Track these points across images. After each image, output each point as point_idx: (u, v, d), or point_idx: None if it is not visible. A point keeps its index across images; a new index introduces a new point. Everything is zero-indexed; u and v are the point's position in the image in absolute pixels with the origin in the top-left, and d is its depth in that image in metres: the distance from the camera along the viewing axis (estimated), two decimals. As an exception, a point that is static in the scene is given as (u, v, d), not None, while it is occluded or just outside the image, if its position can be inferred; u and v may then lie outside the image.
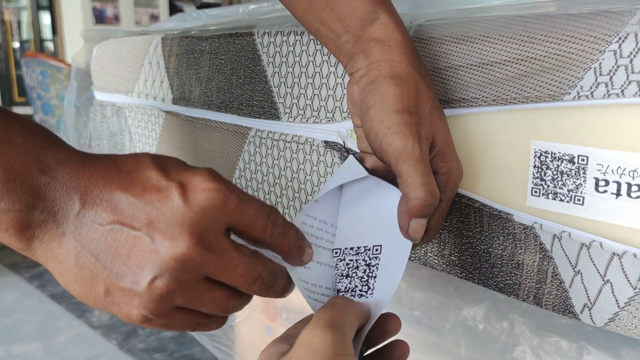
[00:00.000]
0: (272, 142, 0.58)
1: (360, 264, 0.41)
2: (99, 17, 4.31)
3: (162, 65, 0.72)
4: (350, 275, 0.41)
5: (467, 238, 0.45)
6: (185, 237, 0.30)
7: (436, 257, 0.47)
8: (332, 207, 0.44)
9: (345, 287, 0.41)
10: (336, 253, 0.43)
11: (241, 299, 0.35)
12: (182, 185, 0.31)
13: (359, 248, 0.42)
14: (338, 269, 0.42)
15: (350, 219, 0.43)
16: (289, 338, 0.36)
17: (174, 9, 5.03)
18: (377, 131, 0.38)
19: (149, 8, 4.64)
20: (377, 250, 0.42)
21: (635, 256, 0.36)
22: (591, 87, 0.37)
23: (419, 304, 0.74)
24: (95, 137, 0.89)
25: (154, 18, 4.68)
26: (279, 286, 0.36)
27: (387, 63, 0.40)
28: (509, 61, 0.40)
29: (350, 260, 0.42)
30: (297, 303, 0.85)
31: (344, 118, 0.51)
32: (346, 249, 0.43)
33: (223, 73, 0.63)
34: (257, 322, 1.03)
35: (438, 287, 0.74)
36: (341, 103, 0.51)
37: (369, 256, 0.42)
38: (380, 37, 0.40)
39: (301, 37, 0.54)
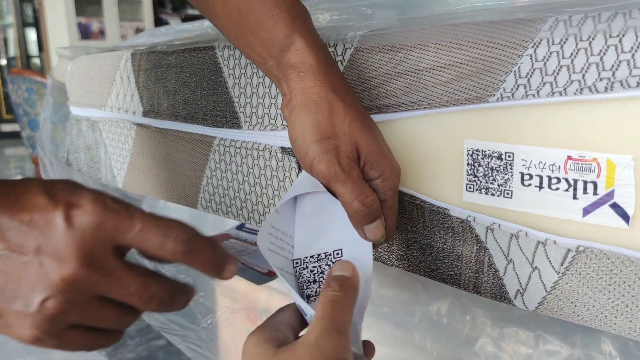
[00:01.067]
0: (235, 150, 0.61)
1: (324, 268, 0.44)
2: (85, 33, 4.34)
3: (132, 79, 0.75)
4: (317, 281, 0.44)
5: (412, 233, 0.48)
6: (72, 258, 0.32)
7: (386, 253, 0.50)
8: (289, 219, 0.46)
9: (315, 292, 0.44)
10: (297, 263, 0.45)
11: (137, 314, 0.36)
12: (67, 209, 0.32)
13: (319, 255, 0.45)
14: (303, 277, 0.45)
15: (307, 229, 0.46)
16: (278, 326, 0.38)
17: (159, 22, 5.06)
18: (305, 162, 0.43)
19: (134, 22, 4.67)
20: (338, 254, 0.44)
21: (555, 243, 0.39)
22: (512, 89, 0.40)
23: (387, 301, 0.77)
24: (73, 150, 0.91)
25: (140, 32, 4.71)
26: (178, 303, 0.36)
27: (301, 92, 0.43)
28: (440, 67, 0.43)
29: (314, 267, 0.45)
30: (279, 306, 0.87)
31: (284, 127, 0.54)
32: (306, 257, 0.45)
33: (188, 85, 0.66)
34: (239, 327, 1.05)
35: (405, 284, 0.77)
36: (295, 110, 0.54)
37: (331, 260, 0.44)
38: (295, 62, 0.43)
39: (234, 52, 0.57)
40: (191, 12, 5.64)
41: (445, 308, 0.72)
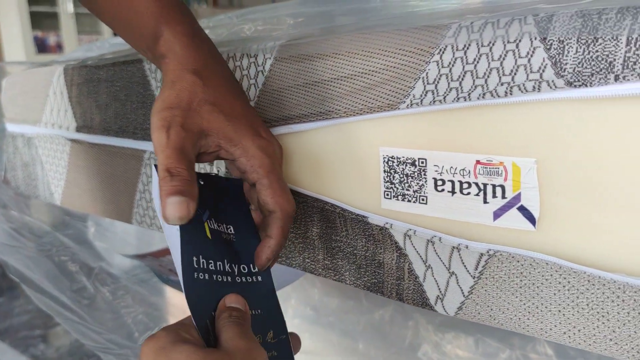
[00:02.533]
0: (166, 164, 0.60)
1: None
2: (41, 47, 4.26)
3: (65, 94, 0.74)
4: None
5: (336, 242, 0.47)
6: None
7: (313, 263, 0.50)
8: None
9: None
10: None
11: None
12: None
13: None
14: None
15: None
16: (186, 328, 0.38)
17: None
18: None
19: (93, 35, 4.61)
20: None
21: (467, 247, 0.39)
22: (421, 95, 0.40)
23: (332, 310, 0.77)
24: (10, 168, 0.89)
25: (99, 44, 4.64)
26: None
27: (165, 75, 0.45)
28: (353, 75, 0.43)
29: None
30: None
31: (223, 136, 0.54)
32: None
33: (119, 99, 0.65)
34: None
35: (349, 293, 0.77)
36: (221, 122, 0.54)
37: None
38: (164, 52, 0.45)
39: (183, 61, 0.57)
40: (151, 23, 5.57)
41: (388, 315, 0.72)
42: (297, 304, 0.80)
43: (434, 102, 0.39)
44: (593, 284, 0.35)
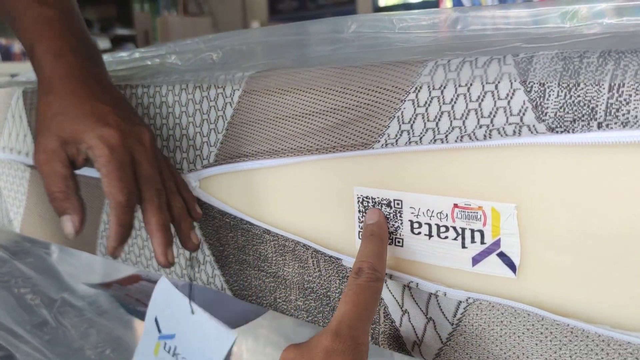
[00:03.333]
0: (130, 195, 0.58)
1: None
2: (6, 54, 4.17)
3: (24, 118, 0.70)
4: None
5: (308, 283, 0.45)
6: None
7: (284, 303, 0.48)
8: None
9: None
10: None
11: None
12: None
13: None
14: None
15: None
16: None
17: (86, 42, 4.89)
18: None
19: (59, 42, 4.50)
20: None
21: (445, 294, 0.38)
22: (396, 135, 0.38)
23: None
24: (-33, 193, 0.85)
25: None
26: None
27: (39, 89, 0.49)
28: (327, 111, 0.41)
29: None
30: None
31: (191, 170, 0.52)
32: None
33: (81, 126, 0.62)
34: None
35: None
36: (187, 154, 0.52)
37: None
38: (36, 68, 0.49)
39: (148, 89, 0.54)
40: (120, 31, 5.50)
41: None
42: (269, 333, 0.77)
43: (410, 142, 0.38)
44: (576, 336, 0.34)
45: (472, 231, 0.37)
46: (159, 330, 0.54)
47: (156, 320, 0.54)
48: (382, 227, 0.39)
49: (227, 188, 0.50)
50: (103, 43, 4.98)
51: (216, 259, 0.52)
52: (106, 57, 0.71)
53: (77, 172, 0.62)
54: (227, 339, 0.52)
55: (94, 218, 0.63)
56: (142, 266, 0.59)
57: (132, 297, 0.76)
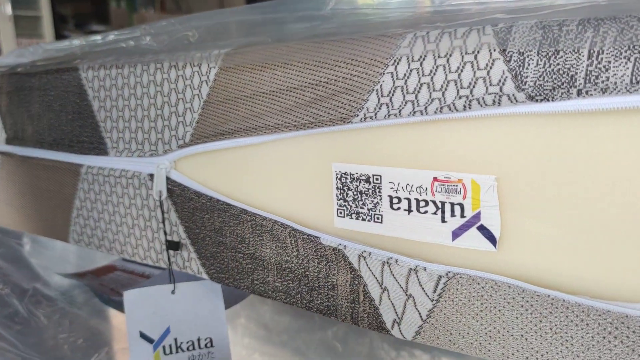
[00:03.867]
0: (104, 178, 0.56)
1: None
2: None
3: (-6, 104, 0.68)
4: None
5: (286, 263, 0.45)
6: None
7: (262, 284, 0.47)
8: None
9: None
10: None
11: None
12: None
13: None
14: None
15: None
16: None
17: (60, 39, 4.83)
18: None
19: (33, 38, 4.42)
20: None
21: (425, 269, 0.37)
22: (375, 109, 0.38)
23: (284, 329, 0.74)
24: None
25: (40, 48, 4.46)
26: None
27: None
28: (304, 86, 0.41)
29: None
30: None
31: (166, 151, 0.50)
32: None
33: (53, 110, 0.61)
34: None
35: (301, 311, 0.75)
36: (163, 135, 0.51)
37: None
38: None
39: (122, 70, 0.53)
40: (95, 28, 5.42)
41: (342, 332, 0.70)
42: (247, 323, 0.76)
43: (389, 115, 0.37)
44: (557, 308, 0.33)
45: (452, 205, 0.36)
46: (151, 341, 0.53)
47: (142, 334, 0.52)
48: None
49: (203, 168, 0.49)
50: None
51: (192, 241, 0.51)
52: (78, 41, 0.70)
53: (42, 155, 0.61)
54: (214, 291, 0.52)
55: (66, 205, 0.62)
56: (116, 252, 0.58)
57: (106, 286, 0.74)
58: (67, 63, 0.60)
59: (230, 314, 0.74)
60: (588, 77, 0.30)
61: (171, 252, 0.52)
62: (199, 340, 0.52)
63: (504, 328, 0.35)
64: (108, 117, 0.55)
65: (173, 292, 0.53)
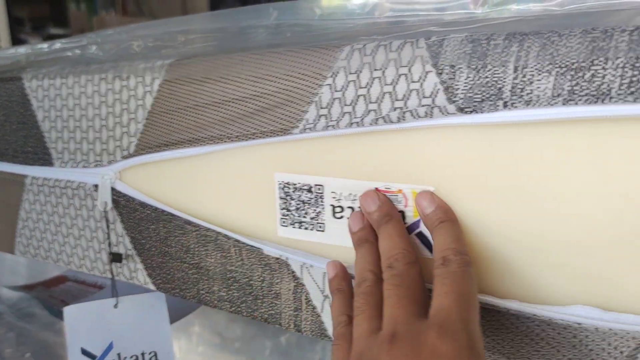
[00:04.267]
0: (49, 189, 0.56)
1: None
2: None
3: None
4: None
5: (231, 273, 0.45)
6: None
7: (207, 294, 0.47)
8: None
9: None
10: None
11: None
12: None
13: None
14: None
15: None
16: None
17: (17, 43, 4.72)
18: None
19: (-14, 43, 4.31)
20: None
21: (364, 278, 0.38)
22: (314, 120, 0.38)
23: (237, 336, 0.74)
24: None
25: (-6, 53, 4.35)
26: None
27: None
28: (246, 98, 0.41)
29: None
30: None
31: (110, 162, 0.50)
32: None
33: (-4, 119, 0.60)
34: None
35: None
36: (107, 145, 0.50)
37: None
38: None
39: (66, 80, 0.53)
40: (54, 31, 5.31)
41: (294, 338, 0.70)
42: (201, 331, 0.76)
43: (328, 127, 0.38)
44: (489, 312, 0.34)
45: (390, 213, 0.37)
46: (93, 357, 0.52)
47: (84, 351, 0.52)
48: (447, 211, 0.35)
49: (147, 179, 0.49)
50: (35, 42, 4.79)
51: (138, 252, 0.51)
52: (24, 49, 0.69)
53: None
54: (158, 303, 0.51)
55: (11, 216, 0.61)
56: (63, 264, 0.57)
57: (56, 298, 0.73)
58: (11, 72, 0.59)
59: (184, 323, 0.74)
60: (514, 90, 0.32)
61: (118, 263, 0.52)
62: (143, 354, 0.52)
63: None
64: (53, 127, 0.54)
65: (116, 305, 0.52)
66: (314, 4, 0.44)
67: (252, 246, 0.43)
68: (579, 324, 0.32)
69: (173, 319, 0.64)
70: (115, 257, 0.51)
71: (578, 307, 0.32)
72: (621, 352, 0.31)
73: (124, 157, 0.49)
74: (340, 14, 0.43)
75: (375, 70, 0.36)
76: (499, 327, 0.34)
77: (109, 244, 0.51)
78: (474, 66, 0.33)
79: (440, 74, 0.34)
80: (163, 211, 0.48)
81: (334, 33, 0.43)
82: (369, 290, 0.34)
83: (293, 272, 0.41)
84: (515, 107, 0.31)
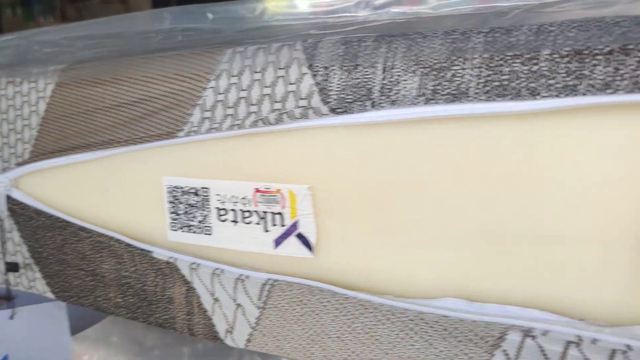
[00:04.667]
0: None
1: None
2: None
3: None
4: None
5: (125, 278, 0.44)
6: None
7: (104, 301, 0.46)
8: None
9: None
10: None
11: None
12: None
13: None
14: None
15: None
16: None
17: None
18: None
19: None
20: None
21: (248, 278, 0.38)
22: (199, 123, 0.38)
23: (155, 344, 0.73)
24: None
25: None
26: None
27: None
28: (135, 101, 0.41)
29: None
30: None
31: (5, 169, 0.49)
32: None
33: None
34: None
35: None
36: (2, 152, 0.49)
37: None
38: None
39: (-40, 86, 0.51)
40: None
41: (211, 344, 0.70)
42: (119, 340, 0.75)
43: (211, 129, 0.38)
44: (366, 309, 0.35)
45: (273, 214, 0.37)
46: None
47: None
48: None
49: (42, 186, 0.48)
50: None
51: (36, 261, 0.50)
52: None
53: None
54: (58, 309, 0.50)
55: None
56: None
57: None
58: None
59: (102, 332, 0.73)
60: (382, 90, 0.32)
61: (15, 272, 0.51)
62: None
63: (322, 331, 0.37)
64: (-53, 134, 0.53)
65: (12, 317, 0.51)
66: (207, 9, 0.45)
67: (142, 250, 0.42)
68: (446, 316, 0.33)
69: (85, 327, 0.62)
70: (11, 267, 0.50)
71: (447, 300, 0.33)
72: (486, 342, 0.32)
73: (19, 164, 0.48)
74: (230, 18, 0.44)
75: (256, 72, 0.36)
76: (376, 323, 0.35)
77: (4, 254, 0.50)
78: (346, 67, 0.33)
79: (315, 75, 0.34)
80: (57, 218, 0.47)
81: (223, 37, 0.43)
82: None
83: (183, 276, 0.41)
84: (382, 106, 0.32)
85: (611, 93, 0.27)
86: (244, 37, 0.43)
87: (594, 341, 0.28)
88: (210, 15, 0.45)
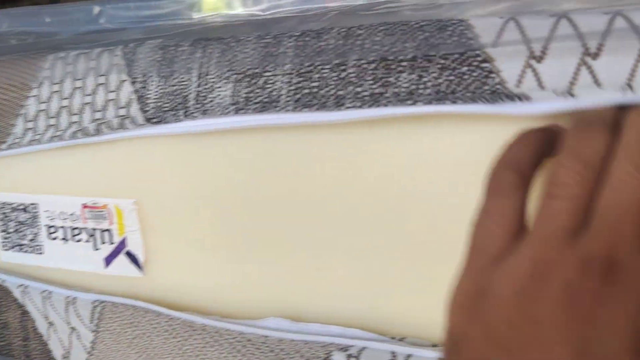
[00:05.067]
0: None
1: None
2: None
3: None
4: None
5: (-40, 303, 0.41)
6: None
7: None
8: None
9: None
10: None
11: None
12: None
13: None
14: None
15: None
16: None
17: None
18: None
19: None
20: None
21: (76, 299, 0.36)
22: (22, 134, 0.36)
23: None
24: None
25: None
26: None
27: None
28: (-41, 112, 0.38)
29: None
30: None
31: None
32: None
33: None
34: None
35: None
36: None
37: None
38: None
39: None
40: None
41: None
42: None
43: (32, 141, 0.35)
44: (195, 330, 0.33)
45: (102, 231, 0.35)
46: None
47: None
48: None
49: None
50: None
51: None
52: None
53: None
54: None
55: None
56: None
57: None
58: None
59: None
60: (197, 98, 0.30)
61: None
62: None
63: (155, 354, 0.35)
64: None
65: None
66: (44, 10, 0.42)
67: (-29, 273, 0.39)
68: (266, 336, 0.31)
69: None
70: None
71: (270, 320, 0.31)
72: (312, 363, 0.30)
73: None
74: (67, 20, 0.41)
75: (77, 79, 0.34)
76: (204, 345, 0.33)
77: None
78: (163, 74, 0.31)
79: (134, 83, 0.32)
80: None
81: (57, 40, 0.41)
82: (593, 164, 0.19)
83: (16, 299, 0.38)
84: (195, 116, 0.30)
85: (411, 104, 0.25)
86: (80, 40, 0.40)
87: (408, 357, 0.27)
88: (48, 19, 0.42)
